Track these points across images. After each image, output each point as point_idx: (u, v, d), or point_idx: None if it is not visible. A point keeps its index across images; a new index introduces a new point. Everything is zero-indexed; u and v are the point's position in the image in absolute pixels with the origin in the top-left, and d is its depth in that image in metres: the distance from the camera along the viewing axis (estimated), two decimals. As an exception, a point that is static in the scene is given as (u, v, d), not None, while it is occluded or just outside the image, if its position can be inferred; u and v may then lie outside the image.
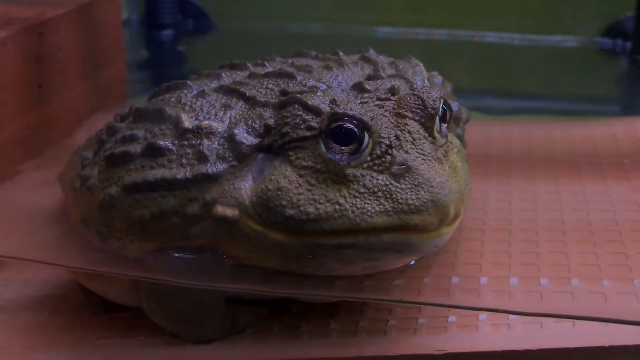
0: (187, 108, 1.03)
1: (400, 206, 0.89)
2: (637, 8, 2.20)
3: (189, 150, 0.98)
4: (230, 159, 0.97)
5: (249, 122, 0.99)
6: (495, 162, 1.41)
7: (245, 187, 0.95)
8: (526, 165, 1.39)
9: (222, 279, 1.00)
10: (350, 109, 0.92)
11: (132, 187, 0.98)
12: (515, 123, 1.67)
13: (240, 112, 1.01)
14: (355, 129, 0.92)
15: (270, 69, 1.16)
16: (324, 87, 1.06)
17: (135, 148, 1.00)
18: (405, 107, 0.97)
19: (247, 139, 0.98)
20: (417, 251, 0.92)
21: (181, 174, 0.96)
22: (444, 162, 0.96)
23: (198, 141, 0.98)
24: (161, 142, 0.99)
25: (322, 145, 0.93)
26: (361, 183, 0.91)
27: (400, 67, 1.17)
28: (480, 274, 1.05)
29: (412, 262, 1.03)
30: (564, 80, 2.18)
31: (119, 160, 1.01)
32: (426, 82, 1.14)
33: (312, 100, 0.97)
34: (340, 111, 0.92)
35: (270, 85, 1.06)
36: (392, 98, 0.99)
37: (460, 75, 2.00)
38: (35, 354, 1.06)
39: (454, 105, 1.15)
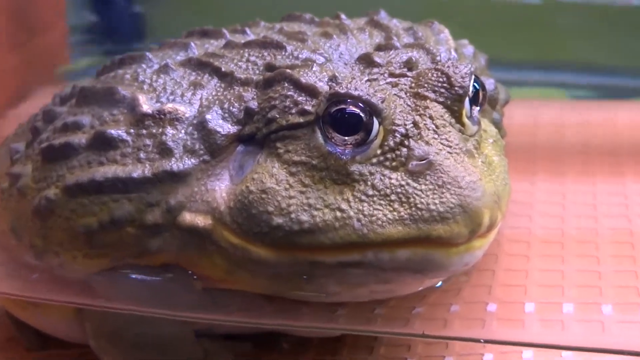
0: (145, 87, 1.03)
1: (419, 213, 0.88)
2: None
3: (148, 142, 0.97)
4: (201, 152, 0.97)
5: (225, 105, 0.99)
6: (543, 154, 1.42)
7: (221, 188, 0.95)
8: (583, 158, 1.39)
9: (191, 307, 1.00)
10: (355, 89, 0.92)
11: (75, 188, 0.98)
12: (568, 104, 1.67)
13: (213, 93, 1.01)
14: (362, 114, 0.91)
15: (252, 37, 1.16)
16: (322, 60, 1.06)
17: (80, 139, 1.00)
18: (426, 85, 0.96)
19: (223, 126, 0.97)
20: (442, 270, 0.92)
21: (138, 171, 0.96)
22: (476, 155, 0.95)
23: (160, 130, 0.98)
24: (113, 132, 0.98)
25: (320, 135, 0.93)
26: (369, 183, 0.91)
27: (420, 34, 1.17)
28: (525, 298, 1.05)
29: (438, 284, 1.03)
30: (628, 48, 2.18)
31: (59, 154, 1.00)
32: (453, 53, 1.14)
33: (306, 77, 0.97)
34: (342, 91, 0.92)
35: (252, 58, 1.06)
36: (409, 74, 0.99)
37: (496, 44, 1.99)
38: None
39: (489, 83, 1.15)
